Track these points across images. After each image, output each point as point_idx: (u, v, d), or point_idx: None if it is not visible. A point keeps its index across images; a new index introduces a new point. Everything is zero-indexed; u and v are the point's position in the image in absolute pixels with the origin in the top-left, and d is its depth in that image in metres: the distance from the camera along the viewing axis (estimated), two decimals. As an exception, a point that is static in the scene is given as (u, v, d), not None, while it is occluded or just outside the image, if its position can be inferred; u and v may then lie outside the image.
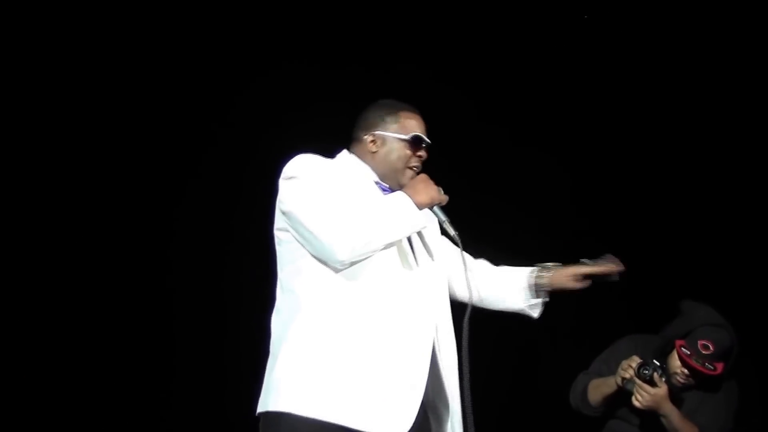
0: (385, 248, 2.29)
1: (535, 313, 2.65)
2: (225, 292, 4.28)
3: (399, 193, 2.36)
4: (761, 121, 4.52)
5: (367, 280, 2.29)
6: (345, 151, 2.55)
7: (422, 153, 2.52)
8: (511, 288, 2.65)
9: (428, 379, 2.30)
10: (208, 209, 4.31)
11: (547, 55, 4.58)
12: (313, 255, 2.31)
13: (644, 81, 4.60)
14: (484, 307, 2.67)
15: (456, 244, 2.45)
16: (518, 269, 2.67)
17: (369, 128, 2.53)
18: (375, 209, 2.31)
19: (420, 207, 2.33)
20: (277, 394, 2.23)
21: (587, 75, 4.59)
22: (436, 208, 2.42)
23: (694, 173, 4.62)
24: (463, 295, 2.53)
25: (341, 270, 2.28)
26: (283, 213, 2.35)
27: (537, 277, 2.62)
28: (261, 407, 2.27)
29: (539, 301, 2.63)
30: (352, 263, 2.27)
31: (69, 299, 4.18)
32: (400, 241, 2.36)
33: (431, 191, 2.37)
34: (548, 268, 2.63)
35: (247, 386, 2.55)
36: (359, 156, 2.53)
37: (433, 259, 2.48)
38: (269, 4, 4.28)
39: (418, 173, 2.48)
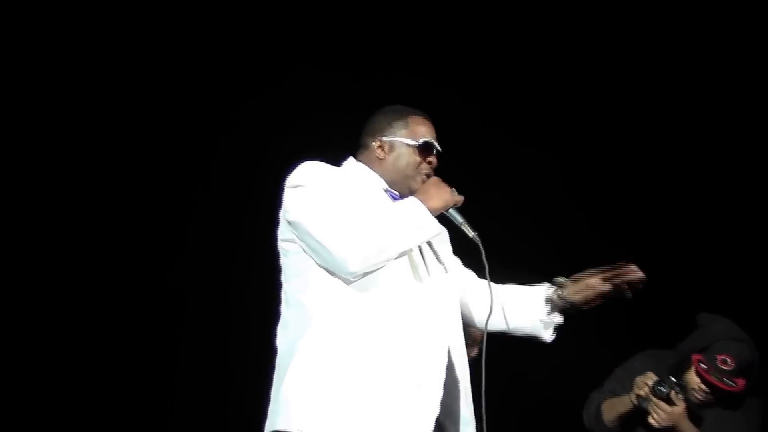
0: (398, 257, 2.21)
1: (548, 335, 2.50)
2: (232, 303, 4.23)
3: (411, 199, 2.27)
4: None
5: (377, 293, 2.20)
6: (351, 159, 2.47)
7: (432, 159, 2.43)
8: (524, 305, 2.50)
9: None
10: (217, 216, 4.28)
11: (557, 60, 4.55)
12: (322, 266, 2.21)
13: (659, 89, 4.56)
14: (492, 329, 2.49)
15: (476, 245, 2.31)
16: (530, 287, 2.53)
17: (376, 134, 2.44)
18: (386, 216, 2.22)
19: (434, 212, 2.25)
20: (287, 413, 2.13)
21: (597, 80, 4.55)
22: (451, 211, 2.32)
23: (711, 185, 4.57)
24: (477, 311, 2.46)
25: (352, 282, 2.19)
26: (289, 223, 2.26)
27: (555, 291, 2.46)
28: (269, 426, 2.18)
29: (555, 320, 2.48)
30: (365, 274, 2.18)
31: (77, 306, 4.17)
32: (412, 250, 2.27)
33: (444, 194, 2.29)
34: (566, 283, 2.47)
35: (253, 402, 2.47)
36: (366, 163, 2.44)
37: (446, 271, 2.39)
38: (278, 12, 4.27)
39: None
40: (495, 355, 2.30)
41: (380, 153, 2.42)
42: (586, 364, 3.81)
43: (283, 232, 2.29)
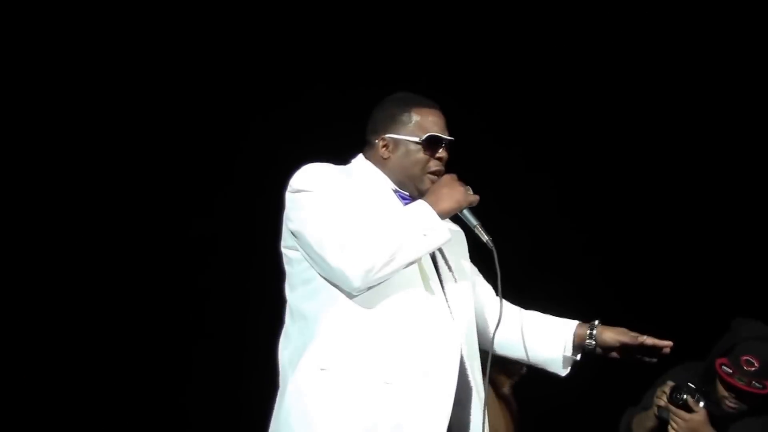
0: (406, 267, 2.07)
1: (565, 371, 2.37)
2: (248, 316, 4.16)
3: (419, 203, 2.12)
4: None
5: (384, 306, 2.08)
6: (360, 156, 2.31)
7: (442, 154, 2.24)
8: (549, 337, 2.37)
9: (453, 414, 2.08)
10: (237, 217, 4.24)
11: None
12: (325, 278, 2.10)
13: (656, 103, 4.54)
14: (505, 353, 2.41)
15: (489, 251, 2.16)
16: (557, 319, 2.41)
17: (379, 131, 2.27)
18: (391, 225, 2.08)
19: (444, 215, 2.11)
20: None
21: (591, 93, 4.52)
22: (465, 212, 2.17)
23: (713, 200, 4.52)
24: (491, 321, 2.30)
25: (356, 296, 2.07)
26: (291, 232, 2.15)
27: (588, 332, 2.34)
28: None
29: (575, 358, 2.37)
30: (369, 288, 2.06)
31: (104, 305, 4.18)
32: (422, 259, 2.14)
33: (456, 194, 2.13)
34: (600, 328, 2.34)
35: (259, 418, 2.36)
36: (373, 162, 2.28)
37: (457, 281, 2.25)
38: (292, 28, 4.27)
39: (440, 176, 2.23)
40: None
41: (384, 152, 2.26)
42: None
43: (286, 240, 2.18)
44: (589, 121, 4.54)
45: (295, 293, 2.17)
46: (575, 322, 2.37)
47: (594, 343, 2.32)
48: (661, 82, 4.51)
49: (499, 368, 3.45)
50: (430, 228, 2.08)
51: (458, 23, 4.39)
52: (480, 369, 2.22)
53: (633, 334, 2.30)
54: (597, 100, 4.52)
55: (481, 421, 2.16)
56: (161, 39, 4.14)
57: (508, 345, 2.39)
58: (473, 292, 2.32)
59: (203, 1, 4.19)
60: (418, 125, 2.25)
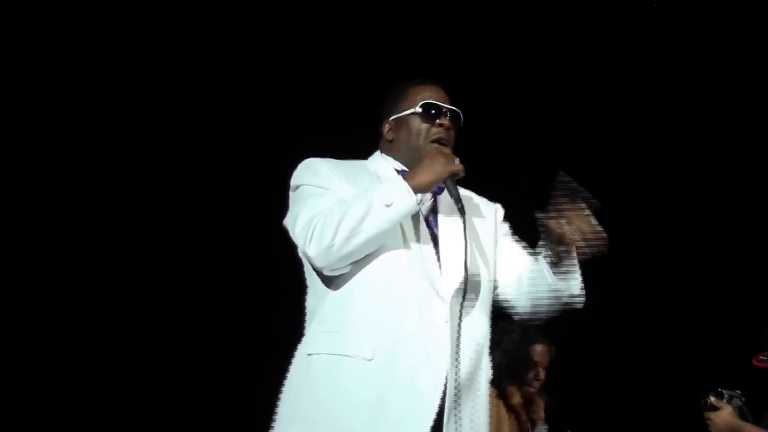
0: (375, 238, 2.04)
1: (575, 289, 2.15)
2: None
3: (395, 177, 2.13)
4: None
5: (372, 291, 2.07)
6: (377, 153, 2.34)
7: (443, 120, 2.22)
8: (534, 276, 2.19)
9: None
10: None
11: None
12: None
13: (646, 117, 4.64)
14: (534, 310, 2.23)
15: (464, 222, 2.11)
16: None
17: (384, 118, 2.31)
18: (356, 200, 2.06)
19: (423, 186, 2.08)
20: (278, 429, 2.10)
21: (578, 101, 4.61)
22: (448, 182, 2.13)
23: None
24: (513, 289, 2.22)
25: (336, 272, 2.08)
26: None
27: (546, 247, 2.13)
28: None
29: (568, 271, 2.14)
30: (346, 262, 2.05)
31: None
32: (423, 247, 2.12)
33: (436, 165, 2.09)
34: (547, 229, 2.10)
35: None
36: (384, 151, 2.30)
37: (467, 263, 2.10)
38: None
39: (446, 144, 2.21)
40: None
41: (390, 135, 2.29)
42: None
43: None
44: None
45: (306, 295, 2.23)
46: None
47: (547, 241, 2.13)
48: (647, 92, 4.62)
49: (510, 380, 3.53)
50: (394, 198, 2.04)
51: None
52: (485, 348, 2.16)
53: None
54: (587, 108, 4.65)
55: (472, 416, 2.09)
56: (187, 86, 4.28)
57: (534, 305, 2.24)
58: (491, 262, 2.24)
59: (205, 32, 4.30)
60: (414, 99, 2.26)
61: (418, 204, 2.10)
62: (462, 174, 2.14)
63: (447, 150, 2.19)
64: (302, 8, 4.34)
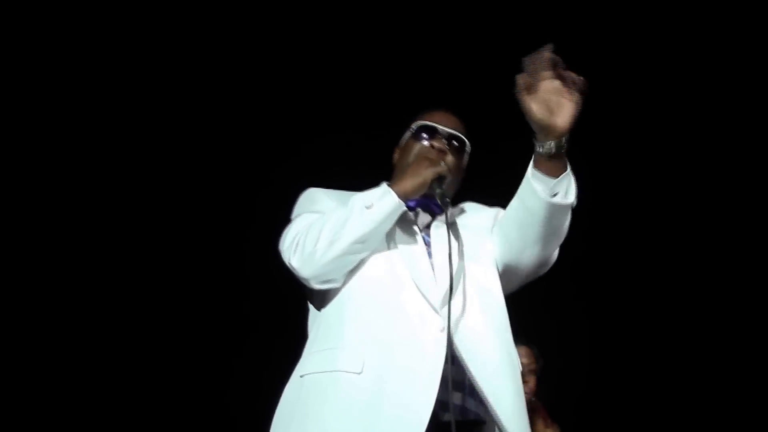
0: (360, 243, 2.03)
1: (566, 198, 2.04)
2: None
3: (382, 185, 2.11)
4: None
5: (368, 319, 2.06)
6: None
7: (437, 143, 2.22)
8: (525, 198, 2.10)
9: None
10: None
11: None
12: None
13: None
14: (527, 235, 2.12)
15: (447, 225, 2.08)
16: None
17: (396, 147, 2.36)
18: (337, 209, 2.09)
19: (409, 191, 2.08)
20: None
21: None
22: (434, 184, 2.12)
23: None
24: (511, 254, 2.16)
25: (329, 285, 2.07)
26: None
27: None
28: None
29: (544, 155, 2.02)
30: (334, 270, 2.05)
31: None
32: (417, 260, 2.09)
33: (420, 168, 2.10)
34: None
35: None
36: (393, 175, 2.27)
37: (452, 274, 2.04)
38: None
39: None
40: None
41: (394, 159, 2.33)
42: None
43: None
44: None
45: (306, 320, 2.25)
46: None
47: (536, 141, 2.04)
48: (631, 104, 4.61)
49: None
50: (374, 200, 2.04)
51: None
52: (502, 346, 2.11)
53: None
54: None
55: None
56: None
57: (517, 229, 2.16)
58: (490, 268, 2.20)
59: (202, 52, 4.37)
60: (416, 123, 2.29)
61: (404, 205, 2.08)
62: (448, 176, 2.14)
63: (433, 154, 2.19)
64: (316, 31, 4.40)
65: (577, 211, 2.11)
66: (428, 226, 2.23)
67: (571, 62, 2.00)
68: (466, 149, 2.30)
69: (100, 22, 4.14)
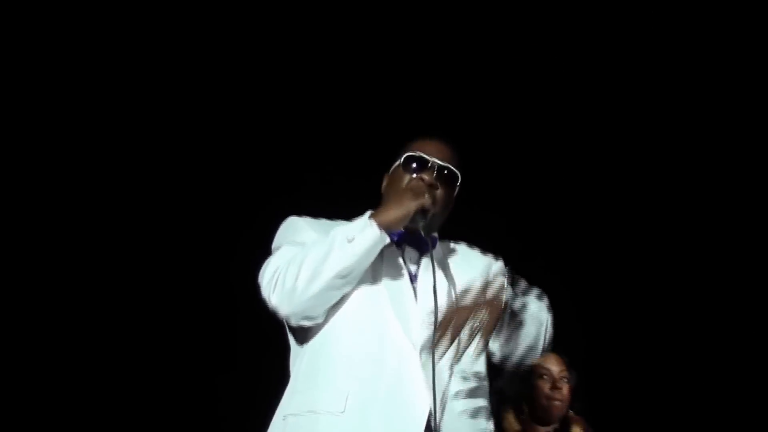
0: (342, 277, 1.97)
1: None
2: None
3: (364, 216, 2.04)
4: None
5: (350, 358, 2.02)
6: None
7: (426, 175, 2.11)
8: None
9: None
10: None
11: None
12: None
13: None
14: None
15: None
16: None
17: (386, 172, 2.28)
18: (319, 242, 2.01)
19: (392, 223, 2.00)
20: None
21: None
22: (418, 218, 2.04)
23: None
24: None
25: (311, 321, 2.04)
26: None
27: None
28: None
29: None
30: (315, 306, 2.00)
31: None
32: (401, 296, 2.05)
33: (403, 199, 2.02)
34: None
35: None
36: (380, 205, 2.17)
37: (437, 309, 1.99)
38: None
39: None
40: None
41: (383, 188, 2.24)
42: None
43: None
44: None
45: (288, 359, 2.20)
46: None
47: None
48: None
49: (507, 405, 3.29)
50: (355, 232, 1.96)
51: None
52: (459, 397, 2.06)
53: None
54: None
55: None
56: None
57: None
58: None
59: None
60: (405, 152, 2.18)
61: (386, 238, 2.01)
62: (432, 209, 2.06)
63: (421, 186, 2.09)
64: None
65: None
66: (416, 262, 2.15)
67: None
68: (457, 182, 2.18)
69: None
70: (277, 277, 1.99)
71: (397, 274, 2.10)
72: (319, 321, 2.06)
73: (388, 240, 2.03)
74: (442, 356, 1.99)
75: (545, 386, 3.25)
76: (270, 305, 2.02)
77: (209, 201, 4.37)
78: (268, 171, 4.35)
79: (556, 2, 4.46)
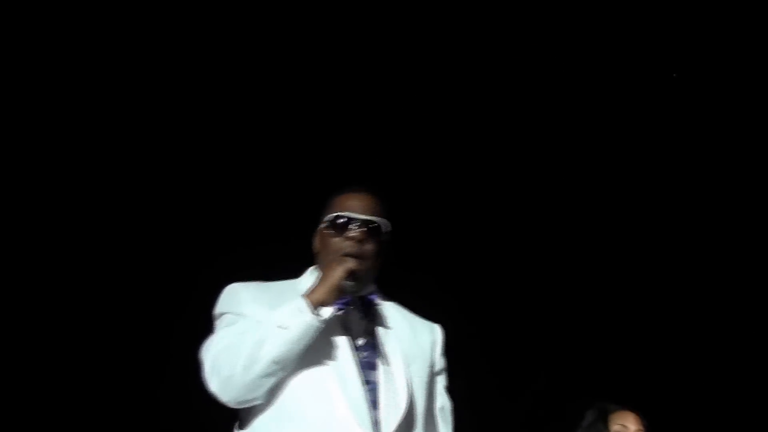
0: (280, 364, 1.98)
1: None
2: None
3: (297, 299, 2.04)
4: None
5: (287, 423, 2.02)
6: (311, 268, 2.26)
7: (353, 234, 2.10)
8: None
9: None
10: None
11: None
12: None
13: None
14: None
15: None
16: None
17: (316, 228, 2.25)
18: (256, 328, 2.00)
19: (322, 300, 2.02)
20: None
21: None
22: (347, 284, 2.07)
23: None
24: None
25: (250, 404, 2.04)
26: None
27: None
28: None
29: None
30: (255, 393, 2.01)
31: None
32: (346, 368, 2.05)
33: (329, 272, 2.05)
34: None
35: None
36: (317, 265, 2.21)
37: (392, 376, 2.09)
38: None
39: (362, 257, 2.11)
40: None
41: (315, 248, 2.22)
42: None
43: None
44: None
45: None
46: None
47: None
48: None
49: None
50: (287, 319, 1.98)
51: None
52: None
53: None
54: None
55: None
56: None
57: None
58: (422, 384, 2.17)
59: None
60: (331, 210, 2.17)
61: (320, 321, 2.02)
62: (361, 269, 2.07)
63: (339, 250, 2.11)
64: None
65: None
66: (360, 327, 2.17)
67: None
68: (384, 231, 2.18)
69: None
70: (214, 367, 2.01)
71: (339, 343, 2.11)
72: (260, 402, 2.06)
73: (321, 325, 2.03)
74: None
75: None
76: (211, 393, 2.05)
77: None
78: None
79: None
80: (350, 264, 2.06)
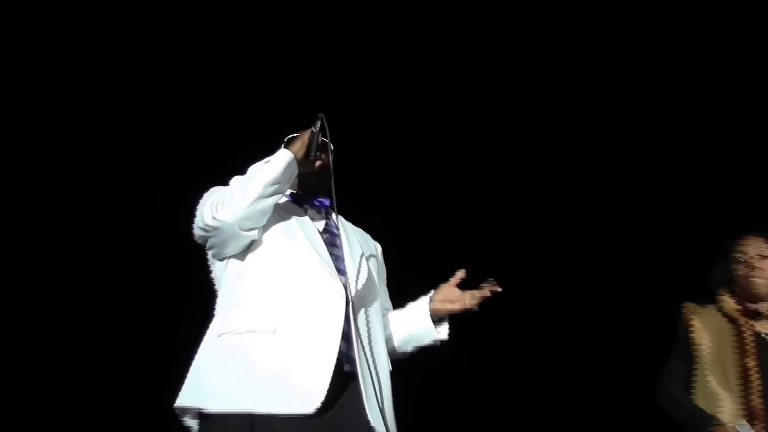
0: (270, 186, 2.35)
1: (443, 336, 2.63)
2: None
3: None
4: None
5: (273, 271, 2.39)
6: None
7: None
8: (414, 314, 2.65)
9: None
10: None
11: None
12: (220, 254, 2.45)
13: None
14: (403, 353, 2.67)
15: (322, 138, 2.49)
16: (417, 303, 2.67)
17: None
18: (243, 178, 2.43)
19: (294, 152, 2.43)
20: (185, 389, 2.33)
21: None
22: (313, 131, 2.46)
23: None
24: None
25: (249, 235, 2.39)
26: (196, 239, 2.49)
27: (431, 303, 2.61)
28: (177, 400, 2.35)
29: (443, 325, 2.64)
30: (255, 215, 2.36)
31: None
32: (315, 236, 2.47)
33: (304, 133, 2.47)
34: (432, 294, 2.64)
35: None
36: None
37: (354, 260, 2.51)
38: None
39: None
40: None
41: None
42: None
43: (207, 265, 2.56)
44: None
45: (216, 296, 2.49)
46: (427, 296, 2.66)
47: (434, 308, 2.61)
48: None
49: (721, 288, 3.36)
50: (271, 157, 2.42)
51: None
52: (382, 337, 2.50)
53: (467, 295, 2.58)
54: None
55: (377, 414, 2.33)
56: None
57: (399, 349, 2.67)
58: (375, 275, 2.60)
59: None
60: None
61: (293, 159, 2.42)
62: (321, 118, 2.47)
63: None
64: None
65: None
66: (319, 217, 2.61)
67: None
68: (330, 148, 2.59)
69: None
70: (217, 202, 2.38)
71: (305, 221, 2.56)
72: (256, 236, 2.43)
73: (295, 160, 2.44)
74: (355, 284, 2.45)
75: (742, 268, 3.31)
76: (212, 225, 2.38)
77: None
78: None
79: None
80: (316, 124, 2.48)
